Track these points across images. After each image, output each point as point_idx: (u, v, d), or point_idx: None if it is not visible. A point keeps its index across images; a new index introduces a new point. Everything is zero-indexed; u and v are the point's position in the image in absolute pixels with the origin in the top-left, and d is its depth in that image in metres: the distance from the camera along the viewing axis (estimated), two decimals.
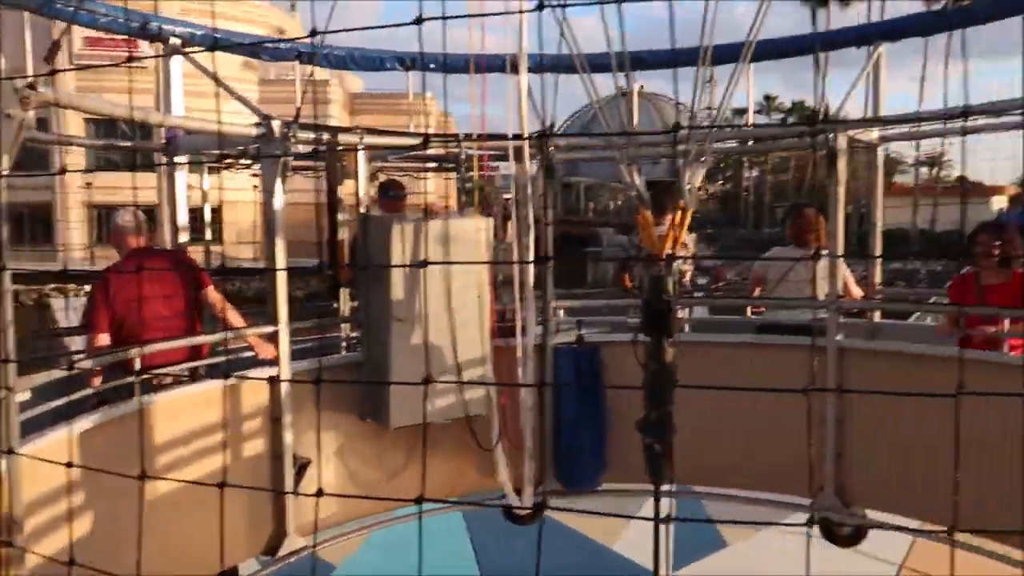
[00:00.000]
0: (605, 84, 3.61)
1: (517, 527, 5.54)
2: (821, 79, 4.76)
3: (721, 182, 56.84)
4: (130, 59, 1.91)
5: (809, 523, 5.10)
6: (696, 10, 2.97)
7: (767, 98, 63.15)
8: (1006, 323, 4.62)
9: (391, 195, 5.47)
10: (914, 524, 4.50)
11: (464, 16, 3.24)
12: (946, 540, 4.49)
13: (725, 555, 7.12)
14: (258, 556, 4.36)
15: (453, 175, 5.31)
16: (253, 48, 5.94)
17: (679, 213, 3.07)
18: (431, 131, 4.89)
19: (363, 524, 4.97)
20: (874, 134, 5.49)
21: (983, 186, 42.63)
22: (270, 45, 6.01)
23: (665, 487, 3.32)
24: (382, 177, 7.13)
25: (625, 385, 4.95)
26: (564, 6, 2.90)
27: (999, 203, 41.84)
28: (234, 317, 4.52)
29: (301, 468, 4.37)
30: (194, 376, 4.21)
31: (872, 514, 4.90)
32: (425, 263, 3.97)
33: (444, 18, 1.56)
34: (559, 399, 5.27)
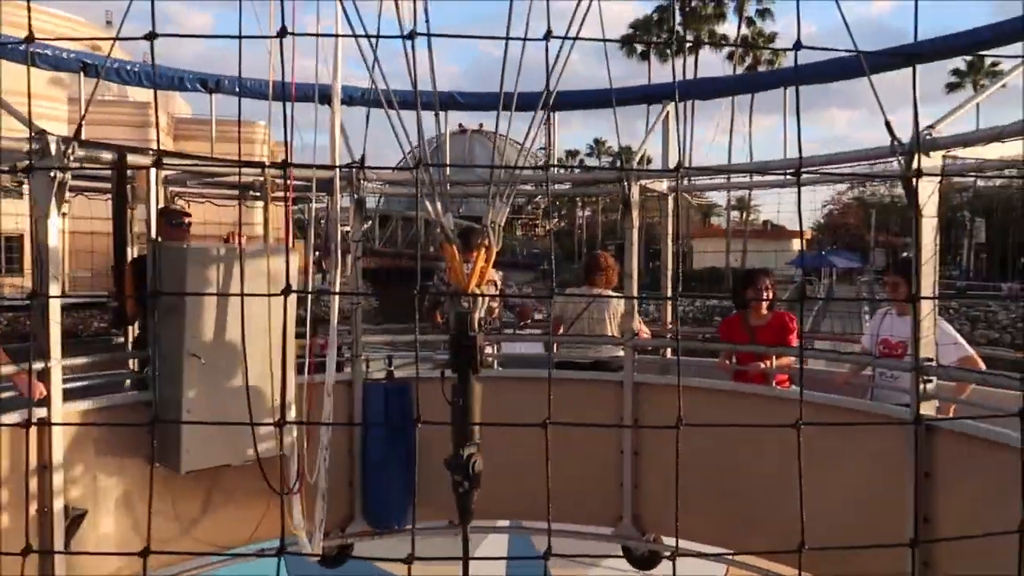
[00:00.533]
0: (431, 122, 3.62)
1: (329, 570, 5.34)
2: (616, 129, 5.09)
3: (556, 220, 59.42)
4: None
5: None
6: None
7: (597, 141, 67.56)
8: (773, 360, 5.15)
9: (173, 223, 5.00)
10: (702, 548, 4.81)
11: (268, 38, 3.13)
12: (733, 562, 4.86)
13: None
14: None
15: (258, 204, 5.06)
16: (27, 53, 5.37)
17: (483, 251, 3.13)
18: (260, 159, 4.62)
19: None
20: (663, 184, 5.96)
21: (785, 230, 47.81)
22: (49, 52, 5.47)
23: (471, 524, 3.32)
24: (180, 203, 6.70)
25: (434, 421, 4.93)
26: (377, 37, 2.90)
27: (798, 245, 47.30)
28: None
29: (75, 520, 3.92)
30: None
31: (666, 540, 5.21)
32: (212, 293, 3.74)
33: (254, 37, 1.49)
34: (366, 438, 5.15)
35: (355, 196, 5.00)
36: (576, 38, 2.52)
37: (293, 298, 4.26)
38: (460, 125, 43.19)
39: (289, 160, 4.46)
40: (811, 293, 32.24)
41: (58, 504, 3.79)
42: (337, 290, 4.70)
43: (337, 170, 4.48)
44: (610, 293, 5.94)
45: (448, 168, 4.50)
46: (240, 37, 1.54)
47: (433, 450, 5.17)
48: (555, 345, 6.39)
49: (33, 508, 3.74)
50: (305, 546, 4.39)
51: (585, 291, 6.14)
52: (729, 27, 48.85)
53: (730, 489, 4.71)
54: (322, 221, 5.54)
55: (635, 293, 5.36)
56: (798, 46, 1.61)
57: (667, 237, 6.00)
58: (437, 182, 3.23)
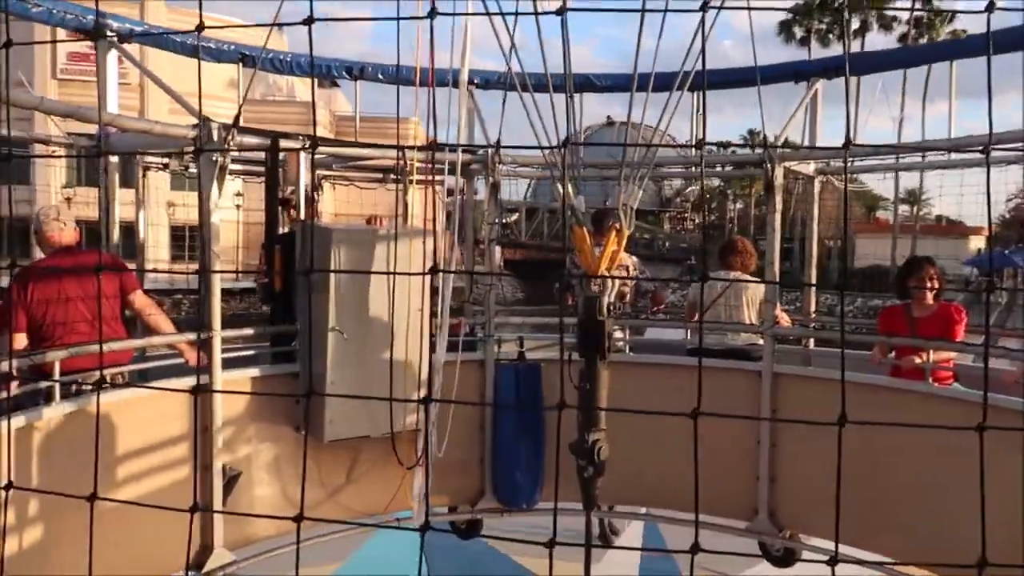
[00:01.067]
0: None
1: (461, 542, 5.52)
2: (760, 109, 4.87)
3: (707, 213, 57.66)
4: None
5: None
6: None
7: (751, 132, 64.25)
8: (930, 354, 4.78)
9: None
10: (844, 550, 4.58)
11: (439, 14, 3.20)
12: (874, 565, 4.60)
13: None
14: (184, 571, 4.19)
15: (398, 187, 5.22)
16: (194, 47, 5.80)
17: (615, 234, 3.09)
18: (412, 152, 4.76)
19: (290, 541, 4.82)
20: (811, 167, 5.66)
21: (963, 226, 43.76)
22: (212, 45, 5.87)
23: (604, 507, 3.30)
24: (327, 186, 7.04)
25: (562, 405, 4.95)
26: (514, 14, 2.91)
27: (977, 243, 43.24)
28: (165, 323, 4.36)
29: (231, 480, 4.23)
30: (115, 383, 4.02)
31: (803, 538, 4.99)
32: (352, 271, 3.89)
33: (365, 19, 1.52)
34: (498, 415, 5.24)
35: (490, 179, 5.07)
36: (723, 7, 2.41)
37: (430, 278, 4.38)
38: (608, 117, 42.51)
39: (434, 143, 4.59)
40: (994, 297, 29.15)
41: (217, 465, 4.09)
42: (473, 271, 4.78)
43: (489, 148, 4.54)
44: (747, 277, 5.72)
45: (584, 152, 4.46)
46: (398, 19, 1.58)
47: (564, 432, 5.21)
48: (687, 331, 6.25)
49: (194, 468, 4.06)
50: (419, 518, 4.53)
51: (722, 275, 5.94)
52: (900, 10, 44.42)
53: (874, 490, 4.44)
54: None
55: (776, 280, 5.13)
56: (990, 8, 1.37)
57: (813, 222, 5.70)
58: (568, 165, 3.22)
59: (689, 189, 56.96)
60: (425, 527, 1.21)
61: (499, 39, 3.14)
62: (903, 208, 46.47)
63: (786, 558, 5.19)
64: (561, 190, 3.22)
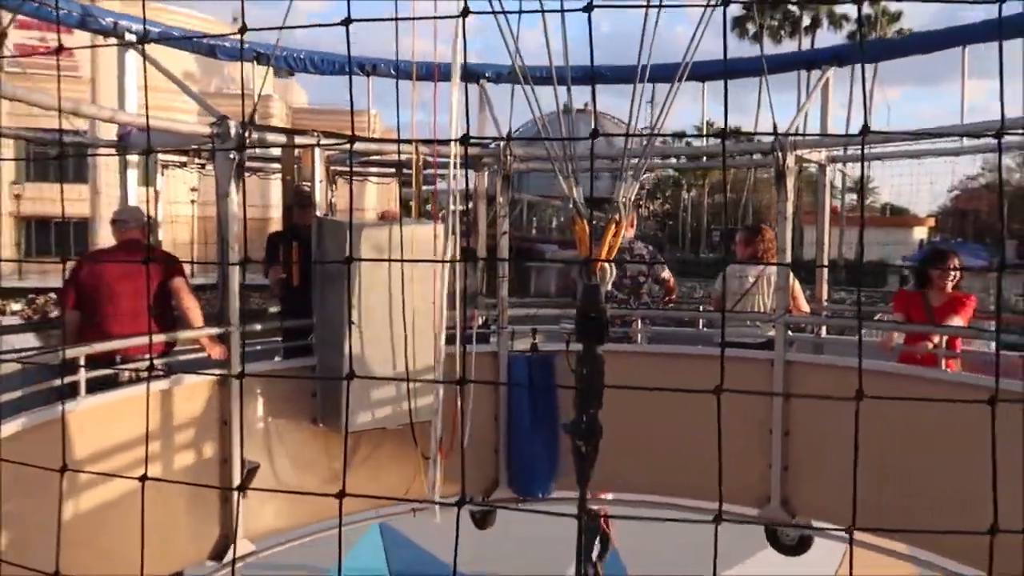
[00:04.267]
0: (551, 99, 3.65)
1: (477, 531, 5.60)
2: (769, 98, 4.88)
3: (660, 201, 57.23)
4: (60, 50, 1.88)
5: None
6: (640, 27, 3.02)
7: (708, 124, 63.52)
8: (943, 340, 4.81)
9: (303, 205, 5.29)
10: (857, 536, 4.62)
11: (396, 20, 3.25)
12: (881, 550, 4.63)
13: None
14: (205, 561, 4.28)
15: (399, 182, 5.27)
16: (211, 47, 5.88)
17: (612, 226, 3.13)
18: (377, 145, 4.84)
19: (311, 530, 4.90)
20: (822, 154, 5.67)
21: (909, 215, 43.21)
22: (228, 44, 5.94)
23: (610, 496, 3.35)
24: (341, 182, 7.10)
25: (570, 386, 5.01)
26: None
27: (920, 233, 42.75)
28: (194, 316, 4.47)
29: (250, 472, 4.31)
30: (139, 375, 4.14)
31: (817, 525, 5.02)
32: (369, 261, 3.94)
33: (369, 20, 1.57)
34: (512, 406, 5.30)
35: (502, 171, 5.11)
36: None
37: (446, 269, 4.44)
38: (565, 105, 42.15)
39: (434, 137, 4.63)
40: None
41: (236, 457, 4.17)
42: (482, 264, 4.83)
43: (505, 140, 4.59)
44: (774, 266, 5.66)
45: (579, 143, 4.49)
46: (435, 17, 1.62)
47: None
48: (701, 323, 6.27)
49: (215, 459, 4.15)
50: (438, 506, 4.60)
51: (747, 270, 5.92)
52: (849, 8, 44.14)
53: (886, 474, 4.47)
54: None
55: (788, 271, 5.14)
56: None
57: (823, 213, 5.71)
58: (568, 157, 3.26)
59: (644, 176, 56.32)
60: (461, 502, 1.27)
61: (503, 35, 3.17)
62: (849, 197, 45.14)
63: (800, 546, 5.23)
64: (563, 182, 3.26)
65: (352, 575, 7.74)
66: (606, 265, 2.95)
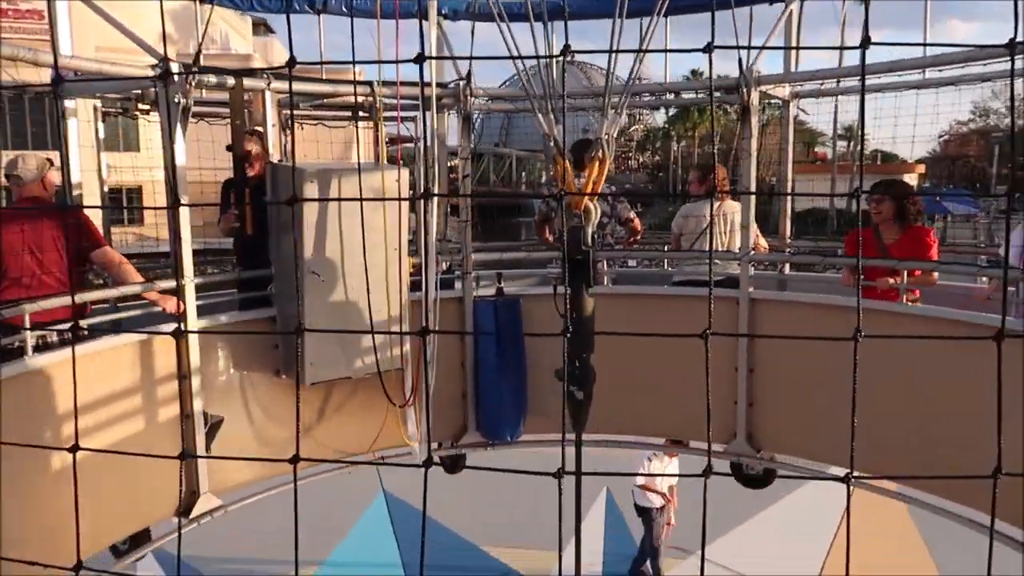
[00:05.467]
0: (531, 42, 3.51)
1: (436, 476, 5.57)
2: (735, 29, 4.77)
3: (650, 152, 56.86)
4: None
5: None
6: None
7: (693, 72, 62.65)
8: (904, 275, 4.83)
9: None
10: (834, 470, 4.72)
11: None
12: (873, 488, 4.73)
13: None
14: (171, 517, 4.22)
15: (365, 125, 5.07)
16: None
17: (596, 164, 3.06)
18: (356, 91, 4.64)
19: (276, 483, 4.86)
20: (786, 90, 5.60)
21: (899, 162, 42.98)
22: None
23: (585, 436, 3.35)
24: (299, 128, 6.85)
25: (545, 333, 4.98)
26: None
27: (911, 180, 42.86)
28: (133, 275, 4.28)
29: (213, 427, 4.22)
30: (76, 334, 3.91)
31: (781, 459, 5.12)
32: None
33: None
34: (479, 350, 5.26)
35: (462, 112, 4.96)
36: None
37: (407, 213, 4.32)
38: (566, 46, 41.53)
39: (398, 80, 4.47)
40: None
41: (198, 412, 4.07)
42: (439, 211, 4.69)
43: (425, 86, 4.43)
44: (732, 204, 5.66)
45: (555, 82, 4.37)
46: None
47: (543, 365, 5.26)
48: (666, 263, 6.26)
49: (175, 415, 4.05)
50: (417, 455, 4.59)
51: (702, 207, 5.90)
52: None
53: (846, 410, 4.54)
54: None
55: (752, 209, 5.11)
56: None
57: (789, 146, 5.67)
58: (547, 95, 3.16)
59: (632, 128, 56.26)
60: (428, 463, 1.20)
61: None
62: (840, 144, 43.25)
63: (764, 478, 5.33)
64: (542, 120, 3.16)
65: (361, 544, 7.91)
66: (591, 206, 2.87)
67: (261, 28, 37.44)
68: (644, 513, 8.26)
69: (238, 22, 35.21)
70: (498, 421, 5.32)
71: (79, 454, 1.37)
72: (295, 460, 1.18)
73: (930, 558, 8.30)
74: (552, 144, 2.99)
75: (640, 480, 8.01)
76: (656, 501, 8.19)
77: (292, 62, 1.26)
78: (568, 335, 1.23)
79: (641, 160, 57.73)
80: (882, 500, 5.29)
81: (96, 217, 5.11)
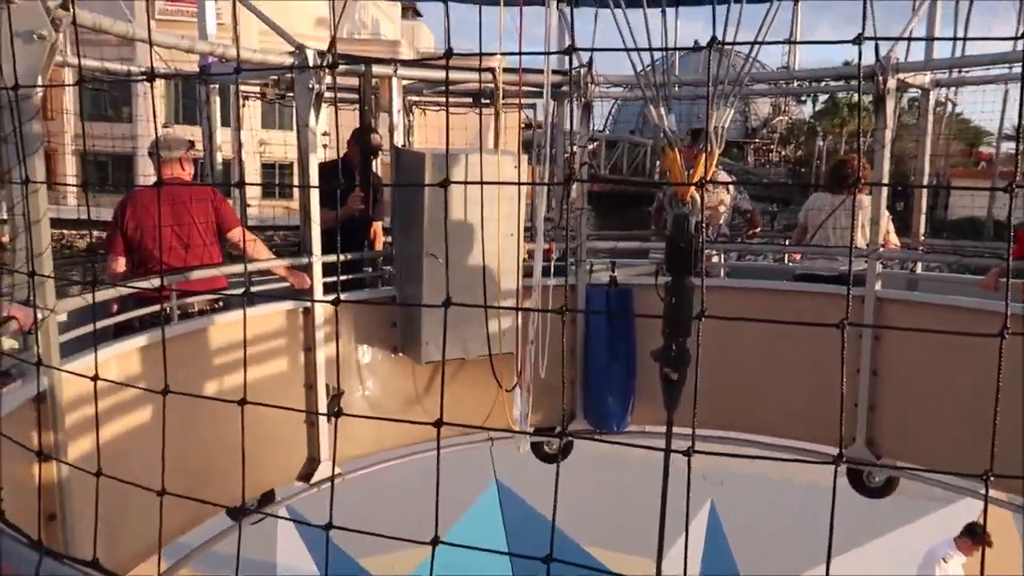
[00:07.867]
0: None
1: (545, 466, 5.64)
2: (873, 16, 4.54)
3: (793, 147, 54.54)
4: None
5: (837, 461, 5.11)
6: None
7: (846, 64, 58.93)
8: None
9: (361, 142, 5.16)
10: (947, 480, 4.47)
11: None
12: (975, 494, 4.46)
13: None
14: (294, 482, 4.47)
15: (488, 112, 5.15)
16: None
17: (704, 155, 3.01)
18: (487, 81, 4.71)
19: (394, 455, 5.05)
20: (926, 78, 5.28)
21: None
22: None
23: (692, 432, 3.30)
24: (417, 112, 7.05)
25: (651, 315, 4.93)
26: None
27: None
28: (263, 252, 4.53)
29: (334, 398, 4.44)
30: (214, 308, 4.17)
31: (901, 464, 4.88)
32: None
33: None
34: (590, 339, 5.27)
35: (582, 100, 4.96)
36: None
37: (523, 201, 4.37)
38: (696, 42, 40.54)
39: (520, 67, 4.52)
40: None
41: (321, 383, 4.30)
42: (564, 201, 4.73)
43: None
44: (865, 198, 5.38)
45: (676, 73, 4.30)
46: None
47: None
48: (786, 257, 6.06)
49: (300, 384, 4.28)
50: (525, 438, 4.65)
51: (832, 200, 5.65)
52: None
53: (979, 419, 4.26)
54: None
55: (882, 203, 4.87)
56: None
57: (926, 138, 5.36)
58: (661, 84, 3.13)
59: (776, 119, 54.17)
60: (563, 432, 1.25)
61: None
62: (1007, 146, 38.45)
63: (885, 488, 5.10)
64: (654, 111, 3.14)
65: (471, 531, 8.09)
66: (696, 195, 2.85)
67: (409, 12, 38.58)
68: None
69: (388, 7, 36.48)
70: (606, 411, 5.32)
71: (207, 418, 1.49)
72: (439, 424, 1.31)
73: None
74: (662, 134, 2.98)
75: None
76: None
77: (449, 53, 1.35)
78: (668, 317, 1.24)
79: (783, 153, 55.42)
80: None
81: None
